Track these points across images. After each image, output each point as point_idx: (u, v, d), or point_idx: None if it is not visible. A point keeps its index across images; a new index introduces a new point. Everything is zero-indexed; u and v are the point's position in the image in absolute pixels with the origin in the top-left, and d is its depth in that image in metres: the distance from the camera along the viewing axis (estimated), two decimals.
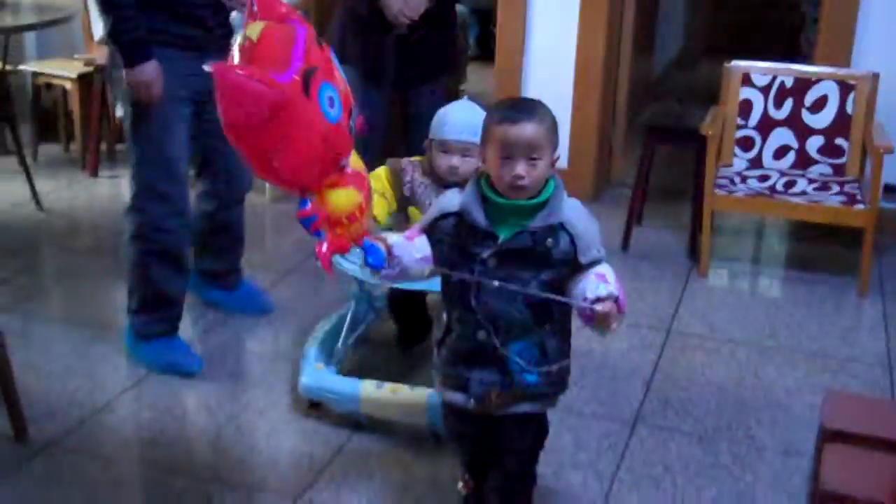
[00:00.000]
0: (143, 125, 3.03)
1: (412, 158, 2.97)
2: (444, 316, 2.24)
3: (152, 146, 3.04)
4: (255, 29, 1.90)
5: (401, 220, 2.86)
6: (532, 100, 2.23)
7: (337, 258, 2.42)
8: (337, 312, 3.23)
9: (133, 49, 2.92)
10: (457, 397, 2.24)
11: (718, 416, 3.01)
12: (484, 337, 2.15)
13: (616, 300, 2.05)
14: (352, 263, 2.70)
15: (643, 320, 3.63)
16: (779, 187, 4.07)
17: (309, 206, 1.99)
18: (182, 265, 3.20)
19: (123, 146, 5.17)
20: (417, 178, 2.91)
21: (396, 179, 2.92)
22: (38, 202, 4.46)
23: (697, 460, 2.78)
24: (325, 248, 2.02)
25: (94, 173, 4.93)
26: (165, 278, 3.15)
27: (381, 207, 2.80)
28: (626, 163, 5.13)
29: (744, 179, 4.14)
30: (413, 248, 2.12)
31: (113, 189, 4.88)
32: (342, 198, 2.04)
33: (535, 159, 2.09)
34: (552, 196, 2.13)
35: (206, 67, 1.79)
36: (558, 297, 2.07)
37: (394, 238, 2.10)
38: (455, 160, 2.82)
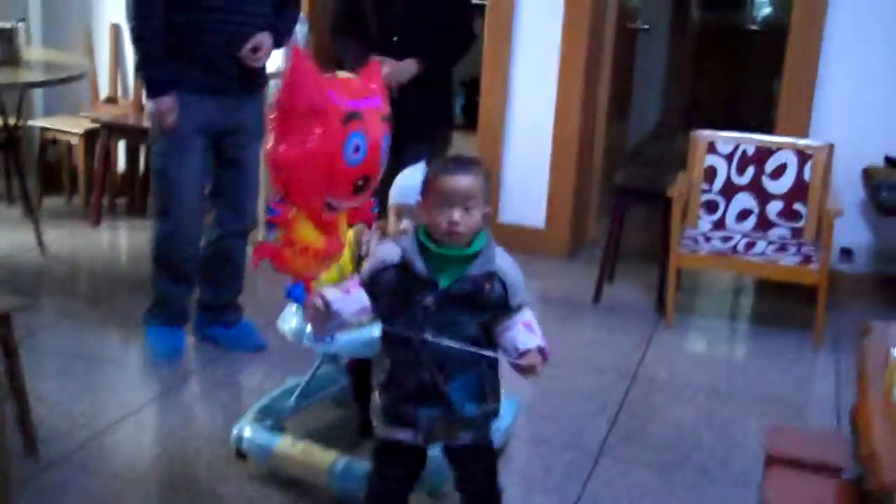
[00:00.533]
0: (160, 154, 3.57)
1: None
2: (386, 361, 2.41)
3: (165, 173, 3.56)
4: (346, 74, 2.51)
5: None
6: (469, 157, 2.47)
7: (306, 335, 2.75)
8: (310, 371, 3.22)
9: (154, 84, 3.45)
10: (405, 434, 2.42)
11: (675, 451, 3.25)
12: (428, 377, 2.35)
13: (541, 350, 2.33)
14: (318, 341, 2.72)
15: (609, 366, 3.88)
16: (740, 248, 4.36)
17: (282, 208, 2.36)
18: (183, 277, 3.70)
19: (123, 200, 5.49)
20: (374, 241, 2.94)
21: (357, 242, 2.98)
22: (42, 247, 4.70)
23: (654, 488, 3.02)
24: (265, 246, 2.46)
25: (96, 224, 5.18)
26: (164, 283, 3.72)
27: (332, 275, 2.82)
28: (600, 225, 5.42)
29: (708, 240, 4.43)
30: (351, 299, 2.31)
31: (113, 239, 5.15)
32: (307, 232, 2.42)
33: (469, 208, 2.31)
34: (486, 246, 2.36)
35: (294, 47, 2.36)
36: (492, 354, 2.33)
37: (332, 293, 2.29)
38: (404, 223, 2.84)
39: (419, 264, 2.32)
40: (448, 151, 6.12)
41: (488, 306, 2.34)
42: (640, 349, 4.06)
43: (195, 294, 3.82)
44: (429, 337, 2.32)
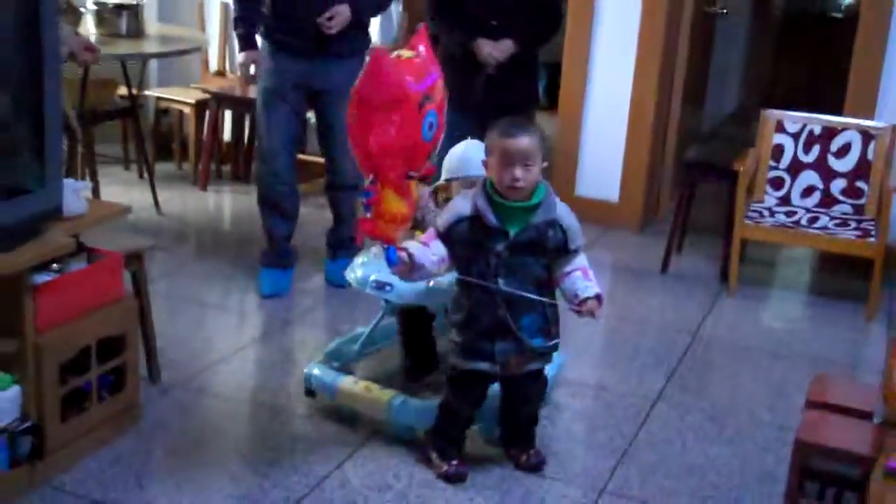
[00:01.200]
0: (259, 105, 4.18)
1: (438, 185, 3.28)
2: (464, 303, 2.78)
3: (259, 121, 4.19)
4: (406, 53, 2.69)
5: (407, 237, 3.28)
6: (522, 119, 2.86)
7: (356, 278, 3.16)
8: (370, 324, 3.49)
9: (241, 39, 4.10)
10: (483, 366, 2.80)
11: (728, 400, 3.56)
12: (502, 315, 2.73)
13: (598, 297, 2.72)
14: (364, 279, 3.14)
15: (672, 327, 4.19)
16: (803, 222, 4.61)
17: (376, 187, 2.67)
18: (279, 211, 4.22)
19: (228, 166, 5.93)
20: (431, 206, 3.20)
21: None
22: (157, 207, 5.16)
23: (705, 430, 3.33)
24: (365, 225, 2.74)
25: (204, 188, 5.63)
26: (267, 219, 4.26)
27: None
28: (672, 202, 5.69)
29: (772, 214, 4.69)
30: (429, 251, 2.70)
31: (219, 201, 5.60)
32: (394, 203, 2.70)
33: (528, 165, 2.68)
34: (546, 196, 2.73)
35: (372, 48, 2.68)
36: (553, 302, 2.77)
37: (414, 247, 2.70)
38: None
39: (490, 216, 2.69)
40: None
41: (550, 250, 2.74)
42: (702, 314, 4.35)
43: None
44: (502, 285, 2.70)
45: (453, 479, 2.88)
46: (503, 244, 2.71)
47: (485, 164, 2.78)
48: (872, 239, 4.40)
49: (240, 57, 4.13)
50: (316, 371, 3.28)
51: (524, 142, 2.70)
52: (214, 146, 5.69)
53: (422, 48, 2.76)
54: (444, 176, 3.25)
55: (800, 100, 6.05)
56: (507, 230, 2.70)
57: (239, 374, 3.56)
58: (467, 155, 3.21)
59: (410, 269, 2.69)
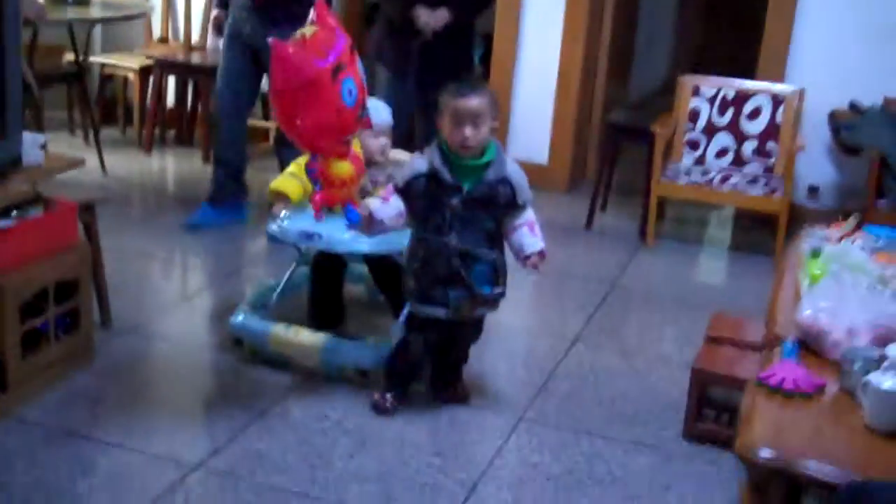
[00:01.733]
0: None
1: None
2: (420, 252, 2.98)
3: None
4: (309, 30, 2.78)
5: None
6: (475, 80, 3.11)
7: (282, 230, 3.33)
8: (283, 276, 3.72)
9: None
10: (438, 311, 3.01)
11: (639, 341, 3.88)
12: (456, 264, 2.95)
13: (541, 253, 2.97)
14: (293, 231, 3.31)
15: (593, 277, 4.49)
16: (716, 181, 4.93)
17: (317, 162, 2.85)
18: (221, 155, 4.70)
19: (171, 132, 6.12)
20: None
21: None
22: (104, 169, 5.35)
23: (618, 368, 3.63)
24: (318, 197, 2.89)
25: (149, 151, 5.82)
26: (214, 158, 4.76)
27: (296, 188, 3.37)
28: (597, 163, 5.99)
29: (688, 174, 5.01)
30: (389, 207, 2.91)
31: (162, 164, 5.81)
32: (341, 168, 2.86)
33: (478, 125, 2.86)
34: (496, 155, 2.94)
35: (269, 40, 2.68)
36: (498, 255, 2.99)
37: (373, 203, 2.91)
38: (370, 140, 3.37)
39: (446, 173, 2.90)
40: None
41: (501, 205, 2.95)
42: (621, 266, 4.67)
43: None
44: (454, 238, 2.93)
45: (380, 410, 3.13)
46: (457, 199, 2.91)
47: (437, 123, 2.96)
48: (777, 195, 4.73)
49: (213, 12, 4.83)
50: (242, 320, 3.45)
51: (474, 102, 2.87)
52: (158, 111, 5.88)
53: (327, 20, 2.84)
54: None
55: (728, 70, 6.36)
56: (462, 186, 2.91)
57: (185, 320, 3.80)
58: (373, 104, 3.34)
59: (371, 224, 2.91)
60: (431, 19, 4.44)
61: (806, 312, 2.52)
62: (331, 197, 2.90)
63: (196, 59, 5.78)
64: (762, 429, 2.16)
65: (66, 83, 5.60)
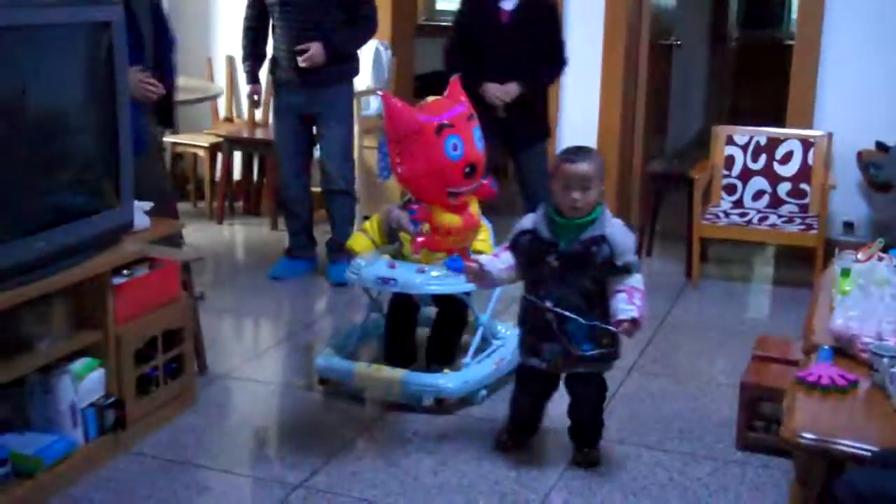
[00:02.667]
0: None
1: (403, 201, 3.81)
2: (524, 305, 3.16)
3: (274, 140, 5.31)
4: (430, 98, 3.22)
5: (395, 248, 3.87)
6: (585, 147, 3.26)
7: (359, 276, 3.69)
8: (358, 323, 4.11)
9: (247, 74, 5.22)
10: (534, 361, 3.18)
11: (690, 367, 4.19)
12: (550, 318, 3.08)
13: (633, 321, 3.00)
14: (369, 277, 3.67)
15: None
16: (755, 221, 5.25)
17: (418, 208, 3.18)
18: (287, 209, 5.25)
19: (239, 203, 6.55)
20: (401, 214, 3.70)
21: (385, 218, 3.78)
22: (182, 238, 5.75)
23: (671, 391, 3.94)
24: (419, 239, 3.24)
25: (220, 221, 6.25)
26: (286, 217, 5.31)
27: (365, 244, 3.80)
28: (640, 211, 6.34)
29: (727, 215, 5.33)
30: (499, 261, 3.13)
31: (233, 232, 6.22)
32: (448, 219, 3.12)
33: (586, 188, 3.01)
34: (598, 217, 3.04)
35: (380, 93, 3.14)
36: (601, 325, 3.05)
37: (484, 258, 3.15)
38: None
39: (545, 231, 3.06)
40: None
41: (598, 265, 3.02)
42: (670, 303, 4.98)
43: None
44: (548, 297, 3.06)
45: (497, 446, 3.36)
46: (553, 256, 3.03)
47: (549, 187, 3.12)
48: (813, 231, 5.04)
49: (247, 88, 5.28)
50: (327, 362, 3.83)
51: (583, 167, 3.01)
52: (227, 184, 6.31)
53: (455, 93, 3.20)
54: None
55: (762, 119, 6.70)
56: (558, 243, 3.04)
57: (272, 365, 4.17)
58: None
59: (480, 277, 3.13)
60: (500, 92, 4.71)
61: (838, 321, 2.84)
62: (434, 243, 3.17)
63: (259, 134, 6.23)
64: (803, 417, 2.48)
65: None
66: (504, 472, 3.26)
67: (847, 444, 2.32)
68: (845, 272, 3.23)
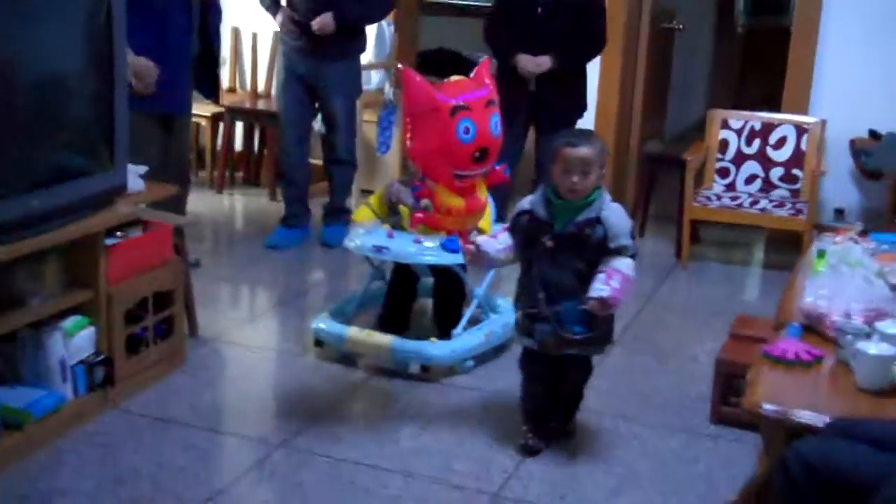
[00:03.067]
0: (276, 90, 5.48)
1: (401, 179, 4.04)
2: (519, 285, 3.17)
3: (276, 104, 5.45)
4: (454, 78, 3.18)
5: (395, 221, 3.86)
6: (588, 130, 3.24)
7: (357, 245, 3.73)
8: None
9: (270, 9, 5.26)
10: (526, 341, 3.17)
11: (673, 345, 4.26)
12: (541, 297, 3.07)
13: (603, 300, 2.95)
14: (366, 244, 3.72)
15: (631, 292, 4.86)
16: (745, 204, 5.31)
17: (421, 184, 3.23)
18: (286, 177, 5.38)
19: (240, 173, 6.63)
20: (401, 187, 3.77)
21: (385, 192, 3.85)
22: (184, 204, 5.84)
23: (652, 366, 4.02)
24: (417, 215, 3.31)
25: (220, 191, 6.33)
26: (281, 183, 5.48)
27: (367, 214, 3.89)
28: (634, 191, 6.40)
29: (719, 198, 5.39)
30: (497, 242, 3.13)
31: (232, 202, 6.31)
32: (451, 199, 3.18)
33: (586, 173, 3.00)
34: (595, 199, 3.03)
35: (399, 66, 3.13)
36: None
37: (481, 239, 3.15)
38: None
39: (541, 211, 3.06)
40: None
41: (592, 246, 3.02)
42: (658, 283, 5.05)
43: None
44: (541, 277, 3.03)
45: (523, 451, 3.24)
46: (549, 237, 3.03)
47: (550, 170, 3.09)
48: (803, 216, 5.10)
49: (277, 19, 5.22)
50: (323, 325, 3.93)
51: (582, 151, 3.00)
52: (228, 155, 6.39)
53: (482, 76, 3.20)
54: None
55: (765, 108, 6.74)
56: (554, 224, 3.04)
57: (264, 330, 4.26)
58: None
59: (478, 257, 3.14)
60: (531, 65, 4.77)
61: (808, 300, 2.91)
62: (433, 221, 3.21)
63: (261, 105, 6.30)
64: (765, 389, 2.55)
65: None
66: (482, 438, 3.35)
67: (804, 416, 2.39)
68: (821, 253, 3.29)
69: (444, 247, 3.29)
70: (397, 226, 3.90)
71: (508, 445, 3.30)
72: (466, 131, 3.01)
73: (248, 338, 4.15)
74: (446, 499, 3.01)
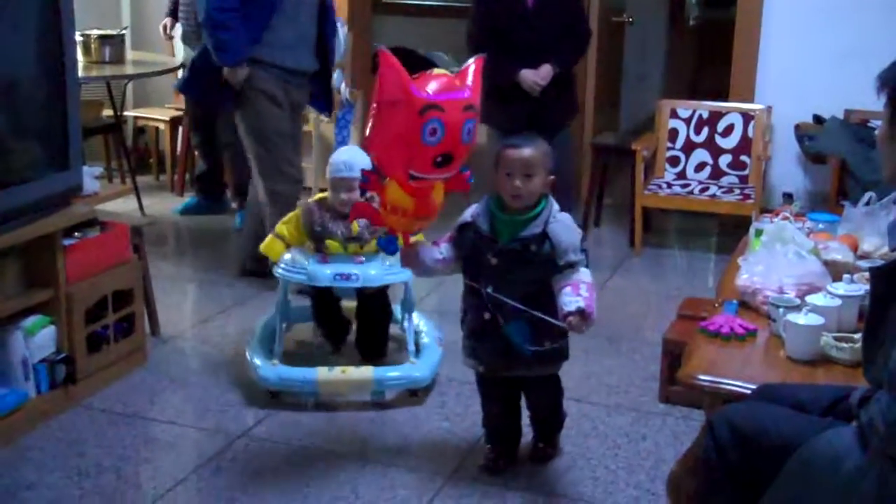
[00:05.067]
0: None
1: (318, 197, 3.74)
2: (463, 303, 2.96)
3: None
4: (439, 71, 2.87)
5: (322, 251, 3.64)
6: (532, 134, 3.00)
7: (312, 275, 3.50)
8: (262, 320, 3.97)
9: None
10: (471, 363, 3.01)
11: (624, 328, 4.38)
12: (488, 318, 2.87)
13: (581, 311, 2.71)
14: (292, 273, 3.57)
15: None
16: (695, 191, 5.44)
17: (370, 176, 3.06)
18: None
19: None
20: (324, 214, 3.60)
21: (306, 219, 3.64)
22: (142, 210, 5.91)
23: (604, 348, 4.14)
24: (358, 205, 3.18)
25: (181, 193, 6.39)
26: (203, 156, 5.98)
27: (280, 248, 3.69)
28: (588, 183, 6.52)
29: (670, 186, 5.52)
30: (436, 251, 2.91)
31: None
32: (399, 197, 2.83)
33: (529, 176, 2.80)
34: (541, 211, 2.82)
35: (379, 48, 2.79)
36: (544, 317, 2.77)
37: (421, 244, 2.94)
38: (343, 195, 3.50)
39: (484, 225, 2.86)
40: None
41: (537, 263, 2.81)
42: (611, 270, 5.17)
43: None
44: (489, 290, 2.84)
45: (483, 469, 3.11)
46: (492, 252, 2.84)
47: (491, 175, 2.91)
48: (750, 201, 5.24)
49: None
50: (274, 373, 3.52)
51: (526, 153, 2.82)
52: (187, 158, 6.46)
53: (469, 76, 2.87)
54: (327, 174, 3.66)
55: (719, 99, 6.87)
56: (497, 239, 2.85)
57: (222, 330, 4.33)
58: (340, 156, 3.63)
59: (410, 259, 2.94)
60: (537, 78, 4.73)
61: (743, 276, 3.03)
62: (375, 216, 2.95)
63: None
64: (700, 361, 2.66)
65: (104, 135, 6.20)
66: (437, 423, 3.45)
67: (735, 384, 2.51)
68: (758, 232, 3.42)
69: (381, 245, 3.03)
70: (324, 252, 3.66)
71: (463, 429, 3.40)
72: (433, 132, 2.69)
73: (209, 336, 4.23)
74: (401, 481, 3.11)
